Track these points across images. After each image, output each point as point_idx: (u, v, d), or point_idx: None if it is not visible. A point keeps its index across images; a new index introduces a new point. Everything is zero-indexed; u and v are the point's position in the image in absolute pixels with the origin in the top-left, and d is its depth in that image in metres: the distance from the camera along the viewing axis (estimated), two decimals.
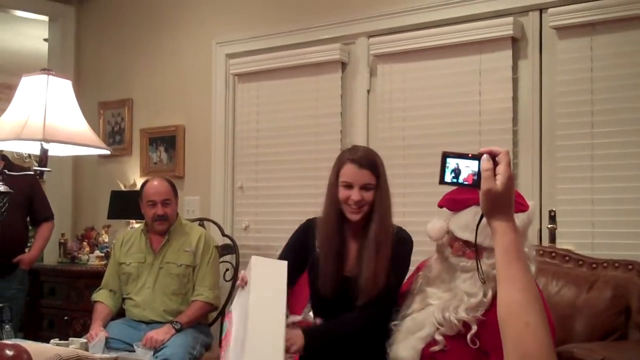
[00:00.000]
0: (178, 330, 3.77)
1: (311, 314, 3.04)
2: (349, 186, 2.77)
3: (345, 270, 2.83)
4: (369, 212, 2.80)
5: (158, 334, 3.71)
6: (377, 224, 2.78)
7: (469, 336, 2.44)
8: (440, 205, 2.70)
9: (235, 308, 2.78)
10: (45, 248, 5.09)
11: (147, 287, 3.95)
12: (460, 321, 2.45)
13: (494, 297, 2.48)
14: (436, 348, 2.50)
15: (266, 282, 2.59)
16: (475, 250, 1.65)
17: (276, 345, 2.47)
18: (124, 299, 4.05)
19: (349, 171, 2.78)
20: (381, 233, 2.78)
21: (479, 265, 1.71)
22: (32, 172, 2.89)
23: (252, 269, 2.65)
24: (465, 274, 2.54)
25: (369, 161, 2.80)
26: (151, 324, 3.86)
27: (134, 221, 5.32)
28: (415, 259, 2.91)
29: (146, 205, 4.02)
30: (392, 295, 2.79)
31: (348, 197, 2.77)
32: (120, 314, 4.08)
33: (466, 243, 2.55)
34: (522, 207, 2.54)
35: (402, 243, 2.87)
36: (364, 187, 2.77)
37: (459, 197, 2.63)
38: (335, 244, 2.83)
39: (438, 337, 2.50)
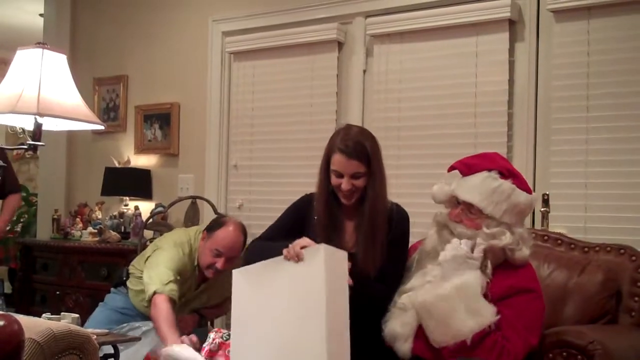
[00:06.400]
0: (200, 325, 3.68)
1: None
2: (340, 175, 2.76)
3: (344, 247, 2.79)
4: (362, 195, 2.79)
5: (187, 323, 3.52)
6: (370, 204, 2.76)
7: None
8: (452, 168, 2.72)
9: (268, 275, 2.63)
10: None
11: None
12: None
13: (493, 270, 2.50)
14: None
15: (336, 275, 2.50)
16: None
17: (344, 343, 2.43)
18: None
19: (338, 161, 2.75)
20: (374, 214, 2.76)
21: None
22: (25, 147, 2.85)
23: (320, 255, 2.50)
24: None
25: (358, 151, 2.74)
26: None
27: (127, 198, 5.32)
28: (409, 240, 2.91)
29: (209, 250, 3.45)
30: (398, 271, 2.78)
31: (339, 185, 2.77)
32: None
33: (468, 208, 2.57)
34: (526, 189, 2.60)
35: (400, 220, 2.86)
36: (354, 176, 2.75)
37: (471, 162, 2.66)
38: (328, 222, 2.81)
39: None
